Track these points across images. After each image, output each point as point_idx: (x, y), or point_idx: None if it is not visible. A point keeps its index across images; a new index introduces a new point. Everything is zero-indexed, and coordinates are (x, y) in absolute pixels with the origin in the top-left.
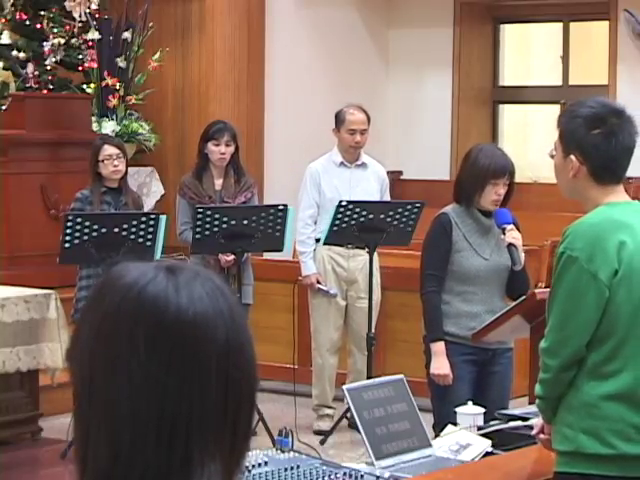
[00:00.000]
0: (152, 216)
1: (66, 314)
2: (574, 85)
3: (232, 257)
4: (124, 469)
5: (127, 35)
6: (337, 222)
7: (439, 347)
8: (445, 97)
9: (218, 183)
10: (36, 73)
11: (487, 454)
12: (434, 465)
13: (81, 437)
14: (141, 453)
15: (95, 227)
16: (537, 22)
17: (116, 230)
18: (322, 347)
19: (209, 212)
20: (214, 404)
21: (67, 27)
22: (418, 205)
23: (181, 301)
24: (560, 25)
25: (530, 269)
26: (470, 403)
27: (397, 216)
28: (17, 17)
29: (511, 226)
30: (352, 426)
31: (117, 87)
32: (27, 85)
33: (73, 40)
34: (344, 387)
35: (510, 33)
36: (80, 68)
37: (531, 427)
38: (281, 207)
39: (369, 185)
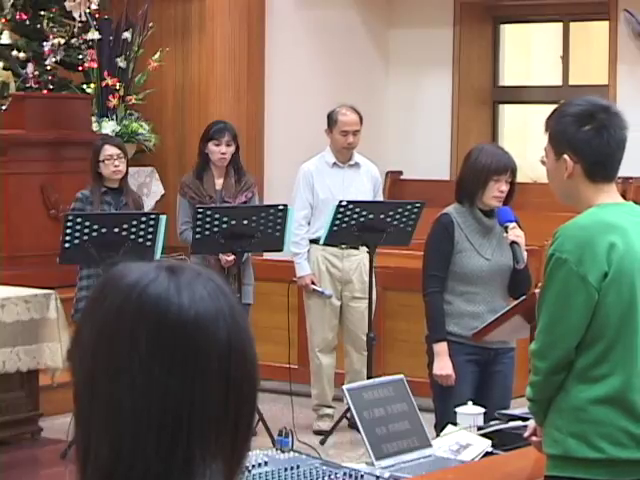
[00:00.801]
0: (152, 216)
1: (66, 314)
2: (574, 85)
3: (232, 257)
4: (125, 469)
5: (127, 35)
6: (337, 222)
7: (442, 347)
8: (445, 97)
9: (219, 183)
10: (36, 73)
11: (487, 454)
12: (434, 465)
13: (82, 437)
14: (142, 453)
15: (95, 227)
16: (537, 22)
17: (116, 230)
18: (317, 347)
19: (209, 212)
20: (215, 404)
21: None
22: (418, 205)
23: (182, 301)
24: (560, 25)
25: (530, 269)
26: (470, 403)
27: (397, 216)
28: (17, 17)
29: (513, 224)
30: (352, 426)
31: (117, 87)
32: (27, 85)
33: (73, 40)
34: (344, 387)
35: (510, 33)
36: (80, 68)
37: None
38: (281, 207)
39: (362, 185)
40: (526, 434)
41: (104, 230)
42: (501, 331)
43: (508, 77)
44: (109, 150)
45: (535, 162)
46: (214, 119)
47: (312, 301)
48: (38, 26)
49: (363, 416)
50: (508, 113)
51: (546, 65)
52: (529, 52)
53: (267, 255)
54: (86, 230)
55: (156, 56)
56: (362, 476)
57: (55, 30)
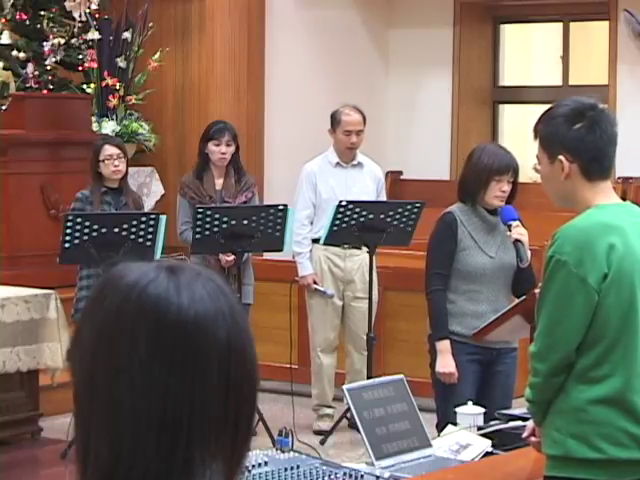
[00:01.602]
0: (152, 216)
1: (66, 314)
2: (574, 85)
3: (232, 257)
4: (125, 469)
5: (127, 35)
6: (337, 222)
7: (445, 345)
8: (445, 97)
9: (219, 183)
10: (36, 73)
11: (487, 454)
12: (434, 465)
13: (82, 437)
14: (142, 453)
15: (95, 227)
16: (537, 22)
17: (116, 230)
18: (319, 347)
19: (209, 212)
20: (215, 404)
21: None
22: (418, 205)
23: (182, 301)
24: (560, 25)
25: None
26: (470, 403)
27: (397, 216)
28: (17, 17)
29: (517, 222)
30: (352, 426)
31: (117, 87)
32: (27, 85)
33: (73, 40)
34: (344, 387)
35: (510, 33)
36: (80, 68)
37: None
38: (281, 207)
39: (365, 185)
40: (524, 434)
41: (104, 230)
42: (501, 331)
43: (508, 77)
44: (109, 150)
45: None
46: (214, 119)
47: (314, 301)
48: (38, 26)
49: (363, 416)
50: (508, 113)
51: (546, 65)
52: (529, 52)
53: (267, 255)
54: (86, 230)
55: (156, 56)
56: (362, 476)
57: (55, 30)
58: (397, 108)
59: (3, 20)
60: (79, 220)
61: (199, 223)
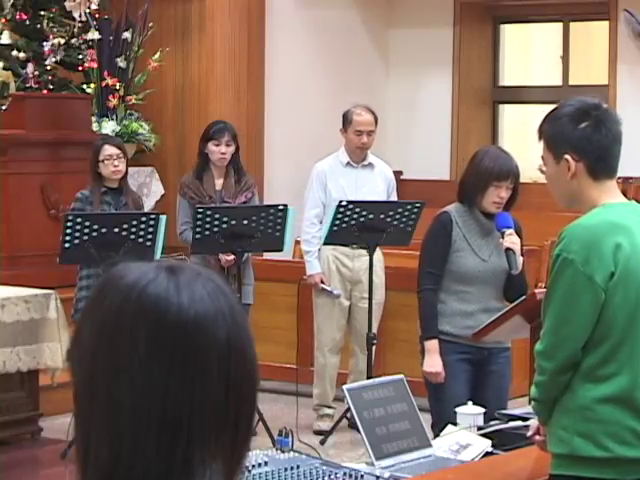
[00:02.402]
0: (152, 216)
1: (66, 314)
2: (574, 85)
3: (232, 257)
4: (125, 469)
5: (127, 35)
6: (337, 222)
7: (433, 345)
8: (445, 97)
9: (218, 183)
10: (36, 73)
11: (487, 454)
12: (434, 465)
13: (82, 437)
14: (142, 453)
15: (95, 227)
16: (537, 22)
17: (116, 230)
18: (324, 347)
19: (209, 212)
20: (215, 404)
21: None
22: (418, 205)
23: (182, 301)
24: (560, 25)
25: (530, 269)
26: (470, 403)
27: (397, 216)
28: (17, 17)
29: (510, 230)
30: (352, 426)
31: (117, 87)
32: (27, 85)
33: (73, 40)
34: (344, 387)
35: (510, 33)
36: (80, 68)
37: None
38: (281, 207)
39: (375, 185)
40: (529, 433)
41: (104, 230)
42: (501, 331)
43: (508, 77)
44: (109, 150)
45: (535, 162)
46: (214, 119)
47: (321, 300)
48: (38, 26)
49: (363, 416)
50: (508, 113)
51: (546, 65)
52: (529, 52)
53: (267, 255)
54: (86, 230)
55: (156, 56)
56: (362, 476)
57: (55, 30)
58: (397, 108)
59: (3, 20)
60: (79, 220)
61: (199, 223)
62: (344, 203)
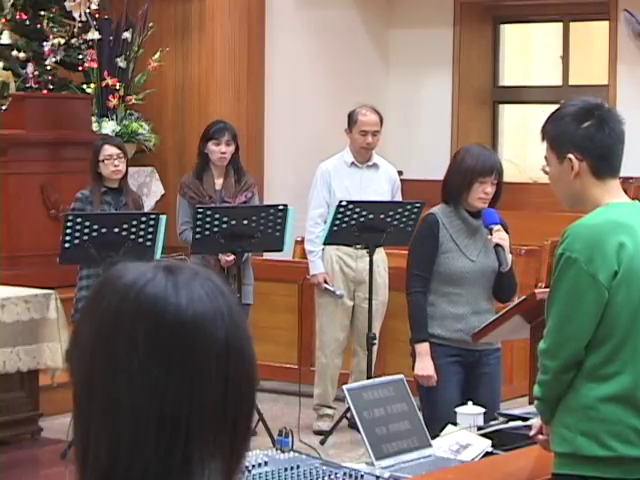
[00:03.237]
0: (152, 216)
1: (66, 314)
2: (574, 85)
3: (232, 257)
4: (124, 469)
5: (127, 35)
6: (337, 222)
7: (423, 348)
8: (445, 97)
9: (218, 183)
10: (36, 73)
11: (487, 454)
12: (434, 465)
13: (81, 437)
14: (141, 453)
15: (95, 227)
16: (537, 22)
17: (116, 230)
18: (327, 347)
19: (209, 212)
20: (214, 404)
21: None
22: (418, 205)
23: (180, 301)
24: (560, 25)
25: (530, 269)
26: (470, 403)
27: (397, 216)
28: (17, 17)
29: (498, 226)
30: (352, 426)
31: (117, 87)
32: (27, 85)
33: (73, 40)
34: (344, 387)
35: (510, 33)
36: (80, 68)
37: (531, 427)
38: (281, 207)
39: (380, 186)
40: (532, 432)
41: (104, 230)
42: (501, 331)
43: (508, 77)
44: (109, 150)
45: (535, 162)
46: (214, 119)
47: (324, 300)
48: (38, 26)
49: (363, 416)
50: (508, 113)
51: (546, 65)
52: (529, 52)
53: (267, 255)
54: (86, 230)
55: (156, 56)
56: (362, 476)
57: (55, 30)
58: (397, 108)
59: (3, 20)
60: (79, 220)
61: (199, 223)
62: (344, 203)
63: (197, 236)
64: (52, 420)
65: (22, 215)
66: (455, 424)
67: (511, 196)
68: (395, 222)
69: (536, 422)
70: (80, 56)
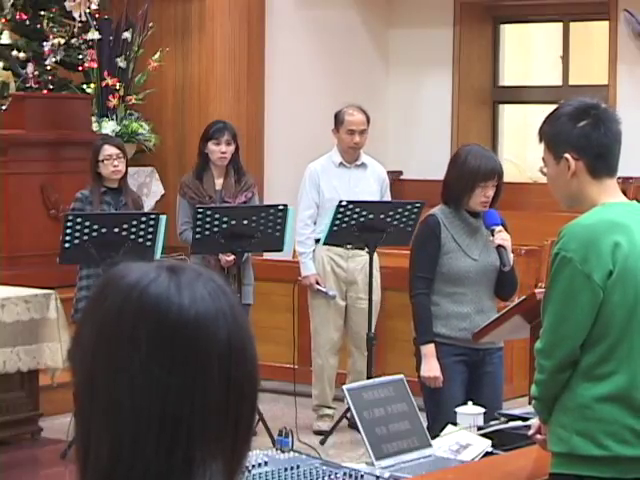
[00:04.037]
0: (152, 216)
1: (66, 314)
2: (574, 85)
3: (232, 257)
4: (125, 469)
5: (127, 35)
6: (337, 222)
7: (429, 349)
8: (445, 97)
9: (218, 183)
10: (36, 73)
11: (487, 454)
12: (434, 465)
13: (82, 437)
14: (142, 453)
15: (95, 227)
16: (537, 22)
17: (116, 230)
18: (322, 348)
19: (209, 212)
20: (216, 404)
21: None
22: (418, 205)
23: (183, 301)
24: (560, 25)
25: (530, 269)
26: (470, 403)
27: (397, 216)
28: (17, 17)
29: (500, 227)
30: (352, 426)
31: (117, 87)
32: (27, 85)
33: (73, 40)
34: (344, 387)
35: (510, 33)
36: (80, 68)
37: (531, 427)
38: (281, 207)
39: (369, 185)
40: (530, 432)
41: (104, 230)
42: (501, 331)
43: (508, 77)
44: (108, 150)
45: (535, 162)
46: (214, 119)
47: (317, 301)
48: (38, 26)
49: (363, 416)
50: (508, 113)
51: (546, 65)
52: (529, 52)
53: (267, 255)
54: (86, 230)
55: (156, 56)
56: (362, 476)
57: (55, 30)
58: (397, 108)
59: (3, 20)
60: (79, 220)
61: (199, 223)
62: (344, 203)
63: (197, 236)
64: (52, 420)
65: (22, 215)
66: (455, 424)
67: (511, 196)
68: (395, 222)
69: (535, 422)
70: (80, 56)
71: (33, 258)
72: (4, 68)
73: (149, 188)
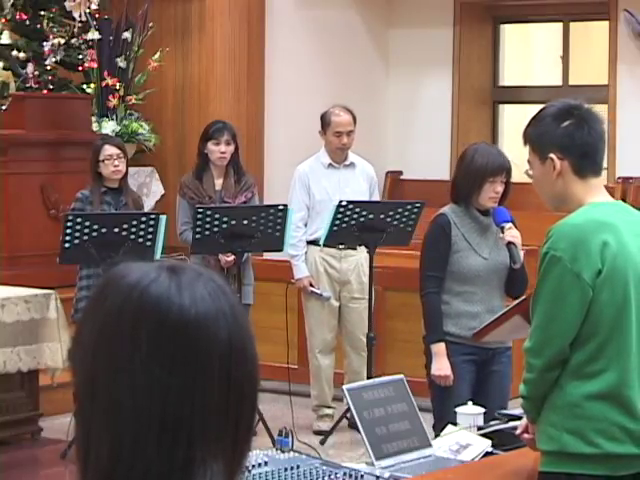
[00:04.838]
0: (152, 216)
1: (66, 314)
2: (574, 85)
3: (232, 257)
4: (126, 469)
5: (127, 35)
6: (337, 222)
7: (440, 348)
8: (445, 97)
9: (218, 183)
10: (36, 73)
11: (487, 454)
12: (434, 465)
13: (83, 437)
14: (143, 453)
15: (95, 227)
16: (537, 22)
17: (116, 230)
18: (316, 348)
19: (209, 212)
20: (216, 404)
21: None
22: (418, 205)
23: (183, 301)
24: (560, 25)
25: (530, 269)
26: (470, 403)
27: (397, 216)
28: (17, 17)
29: (509, 224)
30: (352, 426)
31: (117, 87)
32: (27, 85)
33: (73, 40)
34: (344, 387)
35: (510, 33)
36: (80, 68)
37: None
38: (281, 207)
39: (358, 185)
40: (518, 432)
41: (104, 230)
42: (501, 331)
43: (508, 77)
44: (109, 150)
45: None
46: (214, 119)
47: (311, 303)
48: (38, 26)
49: (363, 416)
50: (508, 113)
51: (546, 65)
52: (529, 52)
53: (267, 255)
54: (86, 230)
55: (156, 56)
56: (362, 476)
57: (55, 30)
58: (397, 108)
59: (3, 20)
60: (79, 220)
61: (199, 223)
62: (344, 203)
63: (197, 236)
64: (52, 420)
65: (22, 215)
66: (455, 424)
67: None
68: (395, 222)
69: (522, 421)
70: (80, 56)
71: (33, 258)
72: (4, 68)
73: (149, 188)
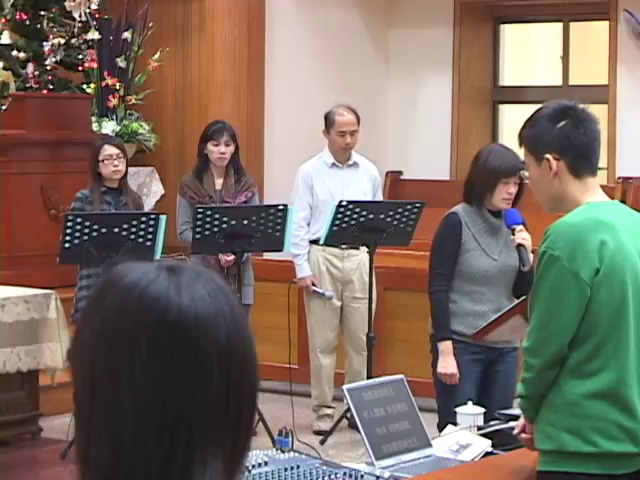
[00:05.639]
0: (152, 216)
1: (66, 314)
2: (574, 85)
3: (232, 257)
4: (125, 469)
5: (127, 35)
6: (337, 222)
7: (447, 346)
8: (445, 97)
9: (218, 183)
10: (36, 73)
11: (487, 454)
12: (434, 465)
13: (82, 437)
14: (143, 453)
15: (95, 227)
16: (537, 22)
17: (116, 230)
18: (318, 348)
19: (209, 212)
20: (216, 404)
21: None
22: (418, 205)
23: (183, 301)
24: (560, 25)
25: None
26: (470, 403)
27: (397, 216)
28: (17, 17)
29: (520, 227)
30: (352, 426)
31: (117, 87)
32: (27, 85)
33: (73, 40)
34: (344, 387)
35: (510, 33)
36: (80, 68)
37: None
38: (281, 207)
39: (361, 185)
40: (515, 431)
41: (104, 230)
42: (501, 331)
43: (508, 77)
44: (109, 150)
45: None
46: (214, 119)
47: (313, 302)
48: (38, 26)
49: (363, 416)
50: (508, 113)
51: (546, 65)
52: (529, 52)
53: (267, 255)
54: (86, 230)
55: (156, 56)
56: (362, 476)
57: (55, 30)
58: (397, 108)
59: (3, 20)
60: (79, 220)
61: (199, 223)
62: (344, 203)
63: (197, 236)
64: (52, 420)
65: (22, 215)
66: (455, 424)
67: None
68: (395, 222)
69: (519, 421)
70: (80, 56)
71: (33, 258)
72: (4, 68)
73: (149, 188)
